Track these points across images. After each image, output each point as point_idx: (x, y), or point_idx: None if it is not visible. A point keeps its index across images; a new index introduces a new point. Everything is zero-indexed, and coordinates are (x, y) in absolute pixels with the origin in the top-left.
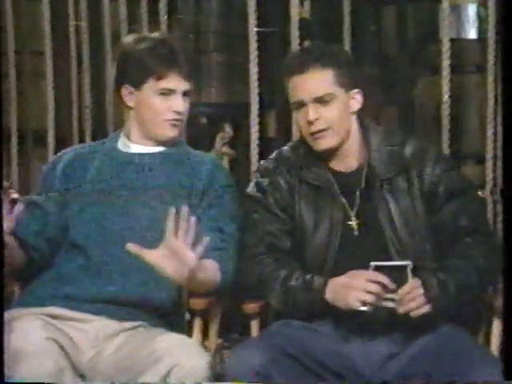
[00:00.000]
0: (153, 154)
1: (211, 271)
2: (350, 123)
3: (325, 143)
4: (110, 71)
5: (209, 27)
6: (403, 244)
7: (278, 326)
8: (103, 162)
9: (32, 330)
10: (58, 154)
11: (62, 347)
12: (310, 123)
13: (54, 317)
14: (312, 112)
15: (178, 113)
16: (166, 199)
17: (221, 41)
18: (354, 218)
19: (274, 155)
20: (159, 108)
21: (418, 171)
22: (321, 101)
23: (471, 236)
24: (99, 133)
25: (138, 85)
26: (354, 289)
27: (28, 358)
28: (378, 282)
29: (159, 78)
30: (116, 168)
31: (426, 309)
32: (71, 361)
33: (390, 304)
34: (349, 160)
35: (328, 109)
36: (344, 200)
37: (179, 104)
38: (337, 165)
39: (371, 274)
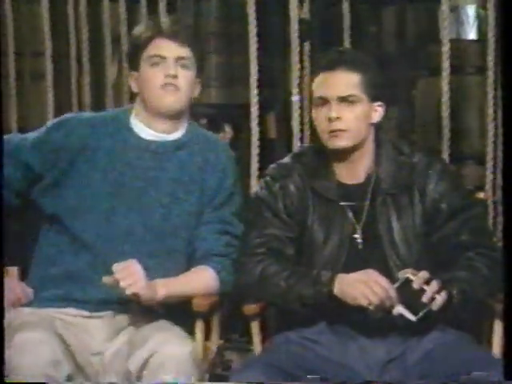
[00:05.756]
0: (167, 141)
1: (204, 281)
2: (366, 132)
3: (339, 142)
4: (110, 71)
5: (208, 28)
6: (401, 259)
7: (278, 343)
8: (116, 144)
9: (35, 325)
10: (66, 117)
11: (64, 342)
12: (331, 121)
13: (61, 318)
14: (335, 110)
15: (171, 76)
16: (179, 195)
17: (220, 42)
18: (359, 231)
19: (285, 160)
20: (152, 77)
21: (422, 188)
22: (345, 100)
23: (473, 250)
24: None
25: (136, 66)
26: (363, 284)
27: (28, 345)
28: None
29: (146, 43)
30: (130, 153)
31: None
32: (77, 359)
33: (408, 314)
34: (357, 171)
35: (350, 110)
36: (351, 213)
37: (170, 68)
38: (344, 176)
39: (380, 277)
